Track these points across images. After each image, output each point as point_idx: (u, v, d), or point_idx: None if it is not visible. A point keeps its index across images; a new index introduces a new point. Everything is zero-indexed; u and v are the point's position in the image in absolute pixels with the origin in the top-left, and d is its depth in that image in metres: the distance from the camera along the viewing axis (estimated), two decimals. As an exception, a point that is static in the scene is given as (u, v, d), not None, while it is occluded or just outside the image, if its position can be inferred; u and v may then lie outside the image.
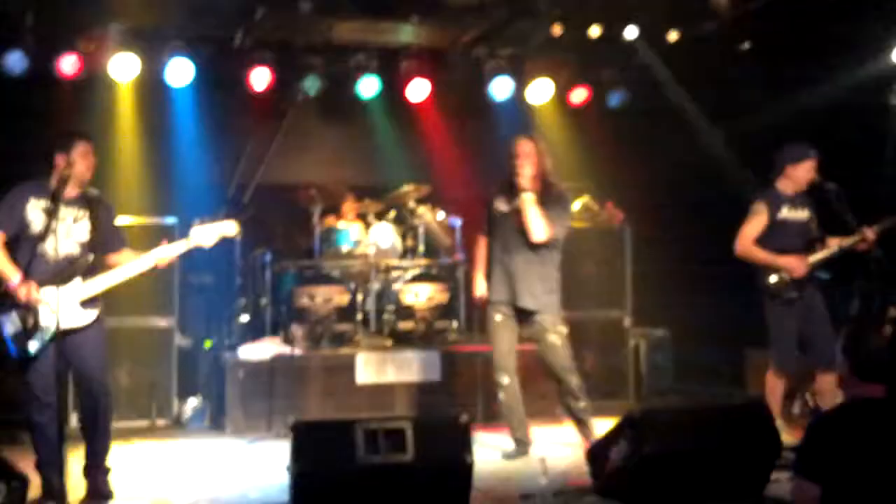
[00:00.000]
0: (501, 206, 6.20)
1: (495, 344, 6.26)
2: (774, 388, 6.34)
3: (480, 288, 6.41)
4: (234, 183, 8.43)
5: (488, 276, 6.30)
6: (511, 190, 6.10)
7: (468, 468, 4.41)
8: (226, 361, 7.38)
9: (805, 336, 6.33)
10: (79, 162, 5.11)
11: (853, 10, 7.23)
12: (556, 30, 7.86)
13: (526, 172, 5.99)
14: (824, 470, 3.92)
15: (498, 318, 6.20)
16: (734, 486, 4.79)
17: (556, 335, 6.14)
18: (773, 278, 6.26)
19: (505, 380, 6.22)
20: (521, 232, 6.03)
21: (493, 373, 6.31)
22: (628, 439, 4.74)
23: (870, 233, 6.26)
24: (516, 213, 6.06)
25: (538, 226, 5.96)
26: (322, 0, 7.17)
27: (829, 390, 6.24)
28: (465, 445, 4.43)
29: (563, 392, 6.26)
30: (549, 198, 6.04)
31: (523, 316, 6.17)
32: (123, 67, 7.81)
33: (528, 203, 5.96)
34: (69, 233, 5.11)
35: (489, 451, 6.18)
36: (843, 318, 6.69)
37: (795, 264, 6.24)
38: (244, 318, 8.02)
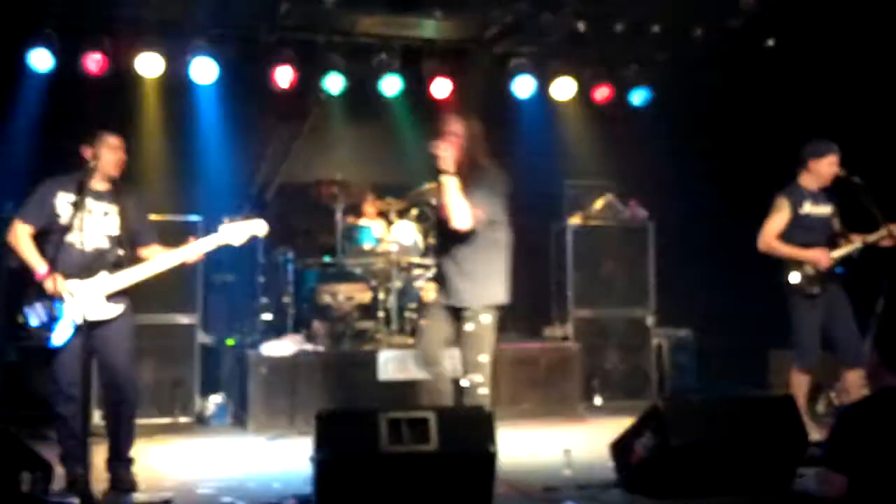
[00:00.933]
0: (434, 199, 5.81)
1: (423, 332, 5.64)
2: (798, 385, 6.28)
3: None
4: (257, 181, 8.46)
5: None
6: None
7: (492, 458, 4.38)
8: (248, 358, 7.38)
9: (829, 332, 6.28)
10: (105, 155, 5.15)
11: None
12: (580, 26, 7.83)
13: (446, 153, 5.30)
14: (853, 461, 3.89)
15: (432, 309, 5.63)
16: (760, 479, 4.75)
17: (473, 323, 5.39)
18: (795, 274, 6.23)
19: (432, 369, 5.54)
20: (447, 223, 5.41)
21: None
22: (654, 432, 4.71)
23: (894, 228, 6.21)
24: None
25: (459, 212, 5.26)
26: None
27: (855, 386, 6.19)
28: (489, 436, 4.41)
29: (462, 389, 5.43)
30: (473, 179, 5.37)
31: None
32: (148, 65, 7.86)
33: (447, 186, 5.28)
34: (98, 226, 5.14)
35: (513, 444, 6.15)
36: (869, 314, 6.62)
37: (819, 257, 6.20)
38: (267, 315, 8.03)
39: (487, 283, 5.44)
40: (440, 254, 5.68)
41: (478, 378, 5.32)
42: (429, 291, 6.07)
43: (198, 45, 7.94)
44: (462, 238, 5.37)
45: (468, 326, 5.38)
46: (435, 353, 5.54)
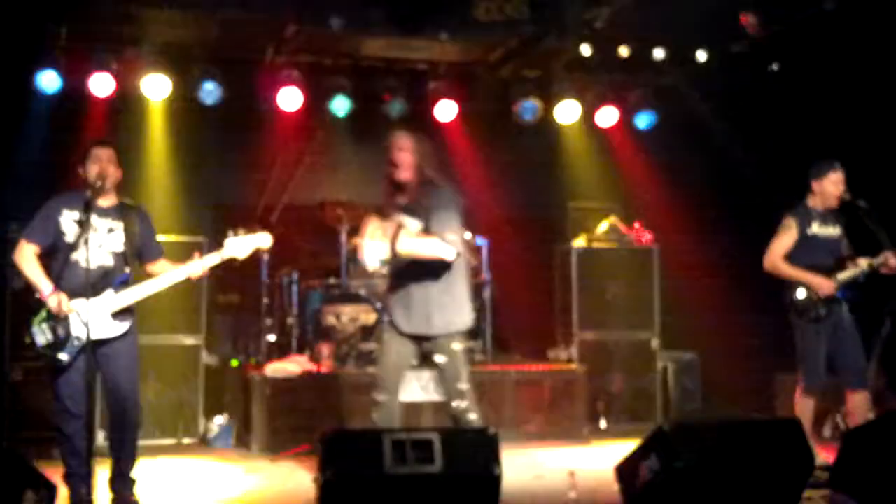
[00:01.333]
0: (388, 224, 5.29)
1: (380, 356, 5.47)
2: (804, 408, 6.25)
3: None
4: (262, 202, 8.48)
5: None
6: (386, 205, 5.38)
7: (496, 480, 4.36)
8: (252, 379, 7.38)
9: (834, 355, 6.25)
10: (90, 166, 5.15)
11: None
12: (584, 50, 7.86)
13: (403, 175, 5.20)
14: (861, 483, 3.87)
15: (387, 334, 5.40)
16: (765, 502, 4.71)
17: (443, 355, 5.29)
18: (800, 295, 6.21)
19: (382, 397, 5.33)
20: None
21: (376, 386, 5.39)
22: (659, 454, 4.67)
23: (892, 258, 6.20)
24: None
25: (441, 250, 5.08)
26: (352, 17, 7.22)
27: (860, 409, 6.16)
28: (494, 457, 4.38)
29: (451, 412, 5.35)
30: (432, 199, 5.20)
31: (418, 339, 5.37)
32: (154, 87, 7.89)
33: (408, 242, 5.11)
34: (103, 243, 5.15)
35: (517, 467, 6.12)
36: (875, 338, 6.61)
37: (822, 284, 6.18)
38: (271, 336, 8.02)
39: (457, 309, 5.32)
40: (400, 278, 5.34)
41: (463, 404, 5.27)
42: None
43: (204, 67, 7.99)
44: (434, 264, 5.18)
45: (439, 359, 5.28)
46: (395, 382, 5.35)
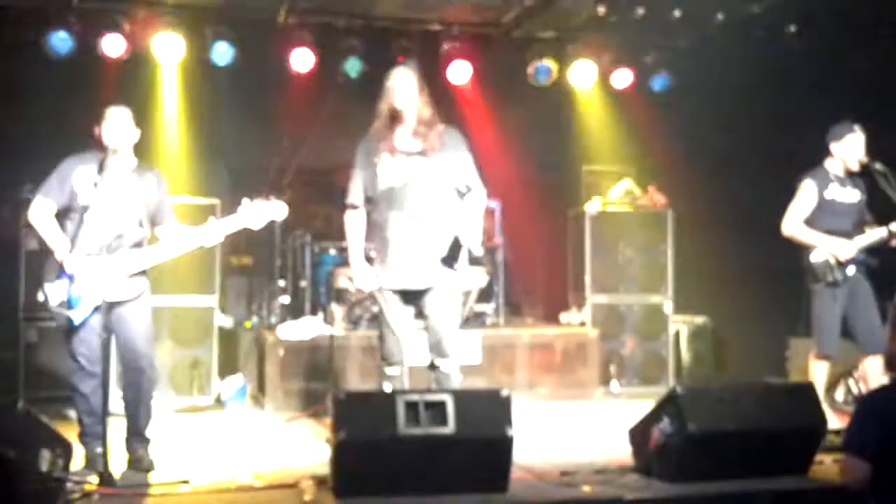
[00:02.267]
0: (384, 165, 5.11)
1: (385, 326, 5.22)
2: (817, 372, 6.23)
3: (365, 278, 5.23)
4: (275, 164, 8.46)
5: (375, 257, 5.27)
6: (386, 141, 5.14)
7: (509, 442, 4.38)
8: (266, 340, 7.42)
9: (850, 320, 6.21)
10: (105, 127, 5.13)
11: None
12: (600, 9, 7.78)
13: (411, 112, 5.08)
14: (875, 447, 3.87)
15: (387, 297, 5.19)
16: (778, 465, 4.72)
17: (451, 301, 5.20)
18: (817, 258, 6.16)
19: (395, 370, 5.26)
20: (421, 187, 5.09)
21: (384, 359, 5.27)
22: (672, 417, 4.69)
23: None
24: (417, 179, 5.08)
25: (482, 212, 5.18)
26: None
27: (874, 375, 6.14)
28: (506, 419, 4.40)
29: (434, 375, 5.26)
30: (446, 140, 5.12)
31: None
32: (167, 48, 7.86)
33: (474, 234, 5.04)
34: (118, 205, 5.14)
35: (529, 430, 6.13)
36: (890, 303, 6.57)
37: (842, 247, 6.13)
38: (284, 298, 8.05)
39: (457, 260, 5.14)
40: (401, 231, 5.10)
41: (454, 361, 5.23)
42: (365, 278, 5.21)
43: (216, 28, 7.94)
44: (439, 203, 5.10)
45: (446, 305, 5.16)
46: (403, 352, 5.22)
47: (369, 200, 5.26)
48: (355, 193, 5.28)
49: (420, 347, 5.29)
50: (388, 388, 5.19)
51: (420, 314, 5.26)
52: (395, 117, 5.16)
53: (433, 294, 5.16)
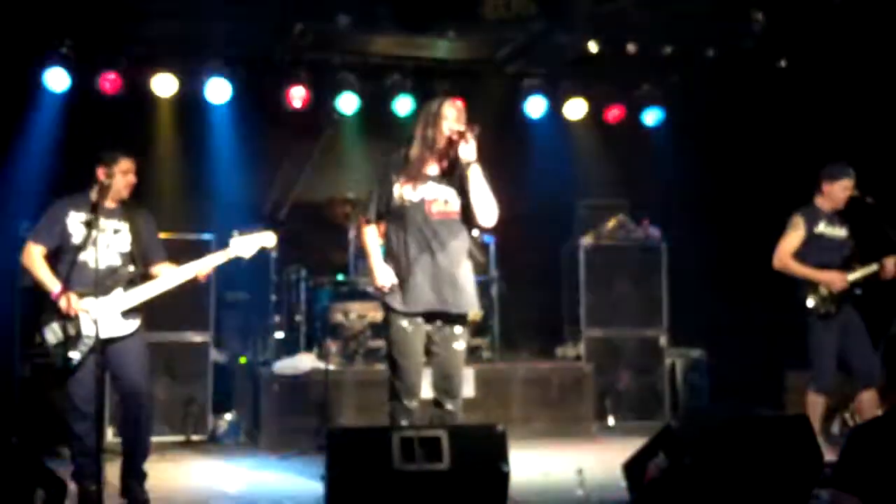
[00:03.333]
0: (407, 192, 5.04)
1: (406, 357, 5.03)
2: (814, 406, 6.26)
3: (386, 274, 5.07)
4: (271, 200, 8.49)
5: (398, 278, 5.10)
6: (421, 172, 5.04)
7: (504, 477, 4.37)
8: (261, 376, 7.41)
9: (844, 353, 6.26)
10: (118, 177, 5.20)
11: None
12: (592, 46, 7.85)
13: (472, 141, 4.94)
14: (864, 482, 3.85)
15: (407, 324, 5.04)
16: (774, 499, 4.71)
17: (462, 341, 5.16)
18: (809, 294, 6.21)
19: (414, 403, 5.07)
20: (445, 226, 5.04)
21: (400, 395, 5.04)
22: (667, 451, 4.68)
23: (890, 263, 6.21)
24: (437, 204, 5.04)
25: (492, 207, 5.05)
26: (360, 15, 7.23)
27: (869, 407, 6.17)
28: (501, 455, 4.40)
29: (440, 414, 5.10)
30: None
31: (432, 318, 5.10)
32: (163, 85, 7.92)
33: (478, 177, 4.98)
34: (110, 244, 5.18)
35: (525, 464, 6.13)
36: (882, 335, 6.59)
37: (835, 279, 6.18)
38: (279, 333, 8.04)
39: (469, 292, 5.14)
40: (425, 253, 5.01)
41: (460, 401, 5.13)
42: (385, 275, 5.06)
43: (212, 65, 8.01)
44: (459, 245, 5.07)
45: (459, 345, 5.10)
46: (419, 383, 5.08)
47: (383, 218, 5.19)
48: (372, 209, 5.19)
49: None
50: (404, 423, 4.97)
51: (427, 351, 5.14)
52: (449, 143, 5.02)
53: (445, 330, 5.09)
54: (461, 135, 4.91)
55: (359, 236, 5.35)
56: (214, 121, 8.34)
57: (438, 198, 5.05)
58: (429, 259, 5.01)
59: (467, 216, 5.10)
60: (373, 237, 5.21)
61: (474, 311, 5.23)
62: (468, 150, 4.93)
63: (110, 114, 7.89)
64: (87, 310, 5.01)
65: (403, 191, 5.04)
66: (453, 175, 5.05)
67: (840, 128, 7.91)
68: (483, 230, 5.26)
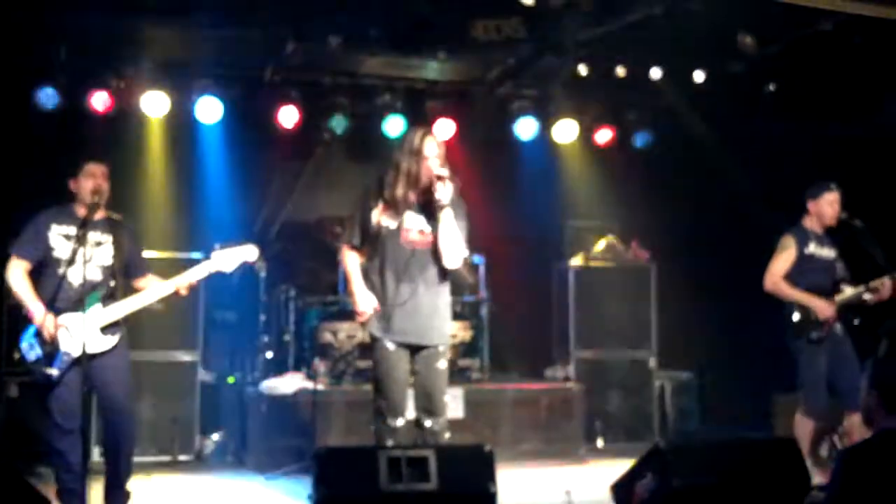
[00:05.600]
0: (385, 219, 5.18)
1: (390, 377, 5.15)
2: (803, 429, 6.25)
3: (367, 300, 5.18)
4: (261, 219, 8.50)
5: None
6: (399, 201, 5.16)
7: (492, 498, 4.35)
8: (248, 396, 7.37)
9: (833, 376, 6.25)
10: (82, 182, 5.17)
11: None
12: (582, 70, 7.90)
13: (449, 184, 5.07)
14: (854, 502, 3.85)
15: (390, 344, 5.16)
16: (762, 522, 4.70)
17: (444, 360, 5.29)
18: (798, 317, 6.22)
19: (399, 422, 5.17)
20: (421, 256, 5.17)
21: (385, 414, 5.15)
22: (655, 473, 4.66)
23: (888, 283, 6.22)
24: (413, 233, 5.18)
25: (458, 251, 5.17)
26: (351, 36, 7.26)
27: (857, 430, 6.15)
28: (489, 475, 4.38)
29: (423, 433, 5.22)
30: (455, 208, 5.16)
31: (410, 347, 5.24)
32: (153, 104, 7.91)
33: (449, 222, 5.10)
34: (91, 257, 5.15)
35: (513, 485, 6.11)
36: (870, 359, 6.60)
37: (823, 307, 6.19)
38: (268, 353, 8.01)
39: (448, 319, 5.38)
40: (404, 285, 5.15)
41: (443, 420, 5.22)
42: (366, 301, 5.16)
43: (203, 85, 8.02)
44: (437, 272, 5.20)
45: (441, 364, 5.21)
46: (405, 403, 5.19)
47: (364, 243, 5.27)
48: (354, 235, 5.30)
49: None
50: (390, 443, 5.06)
51: (411, 371, 5.24)
52: (429, 182, 5.12)
53: (426, 351, 5.20)
54: (441, 178, 5.02)
55: (341, 261, 5.42)
56: (205, 140, 8.32)
57: (415, 227, 5.17)
58: (406, 289, 5.13)
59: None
60: (353, 262, 5.30)
61: (448, 339, 5.38)
62: (444, 193, 5.03)
63: (101, 133, 7.88)
64: (68, 325, 4.98)
65: (381, 218, 5.16)
66: (430, 208, 5.13)
67: (829, 151, 7.96)
68: (448, 271, 5.23)
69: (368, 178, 9.08)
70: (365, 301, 5.16)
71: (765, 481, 4.71)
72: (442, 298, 5.26)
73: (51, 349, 4.98)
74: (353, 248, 5.30)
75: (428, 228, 5.17)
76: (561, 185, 9.29)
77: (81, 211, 5.14)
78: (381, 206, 5.17)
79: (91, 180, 5.19)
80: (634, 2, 6.82)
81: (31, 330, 5.02)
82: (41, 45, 7.47)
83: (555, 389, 8.13)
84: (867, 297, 6.26)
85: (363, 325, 5.28)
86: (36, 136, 7.72)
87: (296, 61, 7.80)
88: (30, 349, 5.01)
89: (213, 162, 8.46)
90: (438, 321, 5.22)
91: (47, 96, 7.63)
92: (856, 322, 6.28)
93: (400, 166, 5.15)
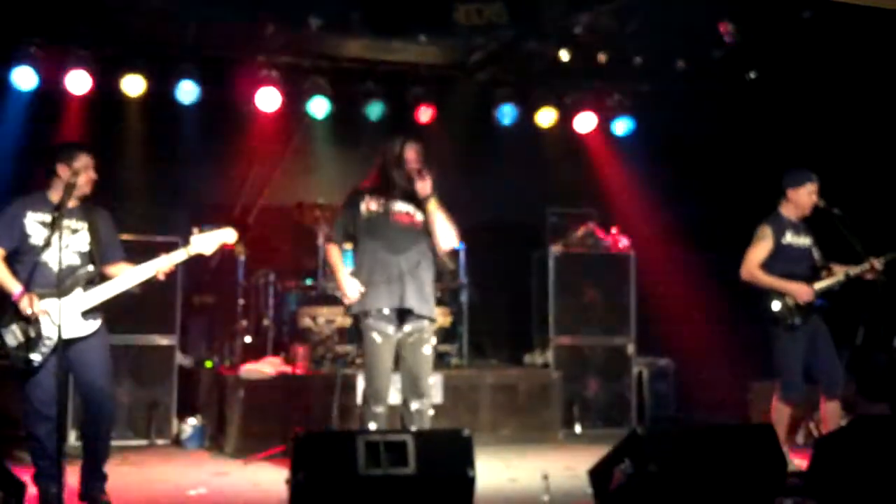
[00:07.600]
0: (374, 205, 5.55)
1: (374, 366, 5.43)
2: (780, 415, 6.27)
3: (353, 286, 5.49)
4: (240, 203, 8.44)
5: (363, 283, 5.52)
6: (386, 192, 5.55)
7: (470, 482, 4.35)
8: (226, 381, 7.34)
9: (809, 363, 6.28)
10: (81, 174, 5.12)
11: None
12: (563, 55, 7.88)
13: (428, 178, 5.47)
14: (832, 489, 3.89)
15: (377, 336, 5.43)
16: (739, 507, 4.73)
17: (430, 346, 5.55)
18: (776, 304, 6.23)
19: (380, 408, 5.43)
20: (409, 232, 5.52)
21: (369, 400, 5.44)
22: (633, 458, 4.68)
23: (877, 263, 6.24)
24: (401, 215, 5.54)
25: (451, 233, 5.55)
26: (331, 18, 7.21)
27: (833, 417, 6.21)
28: (467, 459, 4.38)
29: (410, 414, 5.48)
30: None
31: (400, 322, 5.48)
32: (132, 85, 7.84)
33: (436, 212, 5.49)
34: (69, 243, 5.10)
35: (492, 470, 6.12)
36: (848, 345, 6.66)
37: (802, 290, 6.21)
38: (246, 338, 7.98)
39: (433, 299, 5.63)
40: (392, 265, 5.45)
41: (428, 401, 5.51)
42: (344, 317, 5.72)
43: (182, 66, 7.95)
44: (427, 249, 5.55)
45: (427, 349, 5.50)
46: (387, 389, 5.48)
47: (350, 239, 5.67)
48: (338, 233, 5.69)
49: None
50: (373, 427, 5.32)
51: (397, 357, 5.51)
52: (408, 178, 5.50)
53: (411, 333, 5.46)
54: (419, 172, 5.45)
55: (326, 256, 5.89)
56: (183, 122, 8.25)
57: (403, 211, 5.54)
58: (394, 260, 5.44)
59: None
60: (336, 254, 5.67)
61: (426, 323, 5.54)
62: (424, 186, 5.43)
63: (78, 113, 7.81)
64: (48, 311, 4.95)
65: (370, 205, 5.55)
66: (416, 198, 5.51)
67: (808, 139, 7.99)
68: (444, 252, 5.63)
69: (348, 162, 9.23)
70: (351, 287, 5.48)
71: (741, 467, 4.74)
72: (426, 276, 5.53)
73: (33, 335, 4.94)
74: (337, 244, 5.68)
75: (416, 212, 5.52)
76: (542, 171, 9.26)
77: (55, 196, 5.08)
78: (367, 198, 5.55)
79: (87, 173, 5.18)
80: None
81: (11, 315, 4.97)
82: (18, 25, 7.38)
83: (533, 375, 8.15)
84: (868, 276, 6.28)
85: (348, 308, 5.58)
86: (13, 118, 7.65)
87: (276, 44, 7.74)
88: (10, 335, 4.96)
89: (191, 144, 8.39)
90: (429, 294, 5.51)
91: (24, 76, 7.57)
92: (822, 304, 6.29)
93: (385, 170, 5.56)
